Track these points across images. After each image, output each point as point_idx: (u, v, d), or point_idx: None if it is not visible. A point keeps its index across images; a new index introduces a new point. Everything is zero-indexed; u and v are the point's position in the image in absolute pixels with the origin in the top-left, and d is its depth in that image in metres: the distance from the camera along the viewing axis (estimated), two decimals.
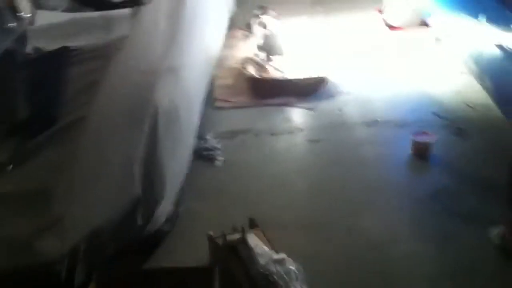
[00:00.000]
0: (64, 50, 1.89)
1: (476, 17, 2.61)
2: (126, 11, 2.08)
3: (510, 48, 2.30)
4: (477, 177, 2.59)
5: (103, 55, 1.84)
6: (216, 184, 2.60)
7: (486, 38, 2.43)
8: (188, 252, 2.12)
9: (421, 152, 2.76)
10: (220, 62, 3.49)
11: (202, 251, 2.01)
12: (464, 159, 2.73)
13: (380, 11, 4.49)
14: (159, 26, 2.15)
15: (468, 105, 3.19)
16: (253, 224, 2.03)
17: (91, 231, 1.53)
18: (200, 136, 2.75)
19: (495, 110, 3.00)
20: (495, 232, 2.17)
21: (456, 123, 3.02)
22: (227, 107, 3.28)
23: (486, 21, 2.43)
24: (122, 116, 1.75)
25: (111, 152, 1.68)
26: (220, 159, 2.76)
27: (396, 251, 2.18)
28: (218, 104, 3.30)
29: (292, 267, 1.76)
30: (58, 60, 1.85)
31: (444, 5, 3.15)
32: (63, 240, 1.45)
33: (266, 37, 3.51)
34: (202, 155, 2.72)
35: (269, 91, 3.37)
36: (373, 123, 3.10)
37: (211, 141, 2.85)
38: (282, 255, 1.81)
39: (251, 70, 3.50)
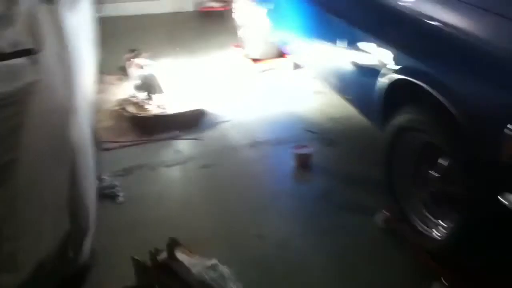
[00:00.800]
0: None
1: (331, 40, 3.04)
2: (22, 60, 2.13)
3: (362, 64, 2.72)
4: (355, 176, 2.99)
5: (14, 101, 1.89)
6: (124, 218, 2.67)
7: (342, 57, 2.85)
8: (115, 283, 2.18)
9: (303, 163, 3.10)
10: (97, 106, 3.56)
11: (127, 279, 2.10)
12: (340, 164, 3.13)
13: (240, 47, 4.89)
14: (56, 71, 2.22)
15: (331, 119, 3.67)
16: (175, 243, 2.15)
17: (37, 265, 1.57)
18: (97, 177, 2.80)
19: (356, 119, 3.49)
20: (379, 217, 2.54)
21: (326, 135, 3.44)
22: (116, 147, 3.35)
23: (340, 43, 2.84)
24: (48, 155, 1.82)
25: (43, 188, 1.74)
26: (121, 195, 2.83)
27: (296, 246, 2.47)
28: (106, 145, 3.35)
29: (225, 270, 1.93)
30: None
31: (300, 34, 3.57)
32: (15, 275, 1.48)
33: (145, 77, 3.68)
34: (103, 194, 2.76)
35: (154, 128, 3.51)
36: (255, 144, 3.39)
37: (109, 180, 2.91)
38: (213, 261, 1.97)
39: (131, 110, 3.62)
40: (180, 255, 2.06)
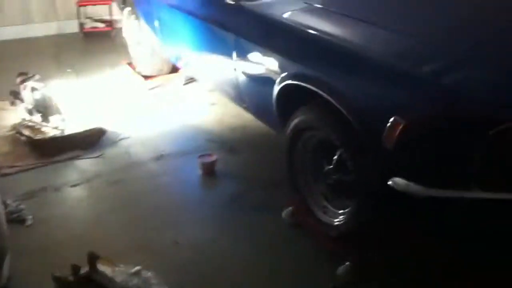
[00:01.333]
0: None
1: (222, 53, 3.22)
2: None
3: (255, 73, 2.93)
4: (260, 178, 3.16)
5: None
6: (36, 240, 2.64)
7: (235, 68, 3.03)
8: None
9: (209, 171, 3.24)
10: None
11: None
12: (245, 169, 3.30)
13: (131, 64, 4.93)
14: None
15: (229, 128, 3.85)
16: (95, 256, 2.19)
17: None
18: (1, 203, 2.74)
19: (252, 126, 3.72)
20: (286, 213, 2.74)
21: (227, 143, 3.61)
22: (15, 172, 3.27)
23: (231, 54, 3.03)
24: None
25: None
26: (29, 218, 2.79)
27: (212, 249, 2.59)
28: (4, 171, 3.27)
29: (148, 274, 2.01)
30: None
31: (191, 48, 3.71)
32: None
33: (39, 100, 3.62)
34: (10, 219, 2.71)
35: (53, 149, 3.47)
36: (160, 157, 3.47)
37: (13, 204, 2.85)
38: (136, 268, 2.04)
39: (28, 133, 3.55)
40: (102, 267, 2.10)
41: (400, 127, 1.90)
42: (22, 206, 2.85)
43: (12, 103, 3.85)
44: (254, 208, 2.91)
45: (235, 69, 3.04)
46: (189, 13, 3.53)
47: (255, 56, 2.82)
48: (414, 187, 1.92)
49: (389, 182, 1.97)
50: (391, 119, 1.93)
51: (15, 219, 2.75)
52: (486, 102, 1.83)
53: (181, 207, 2.97)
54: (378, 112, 2.05)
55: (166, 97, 4.44)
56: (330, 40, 2.37)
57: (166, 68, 4.70)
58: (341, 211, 2.44)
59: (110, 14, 6.30)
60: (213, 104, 4.25)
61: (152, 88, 4.56)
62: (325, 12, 2.69)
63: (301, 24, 2.55)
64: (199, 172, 3.25)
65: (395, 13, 2.61)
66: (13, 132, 3.64)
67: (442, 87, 1.91)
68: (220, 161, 3.31)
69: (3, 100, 4.03)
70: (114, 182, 3.21)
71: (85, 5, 6.34)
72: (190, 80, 4.61)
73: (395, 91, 2.04)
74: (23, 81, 3.77)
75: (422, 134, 1.90)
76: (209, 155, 3.32)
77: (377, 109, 2.06)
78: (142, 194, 3.09)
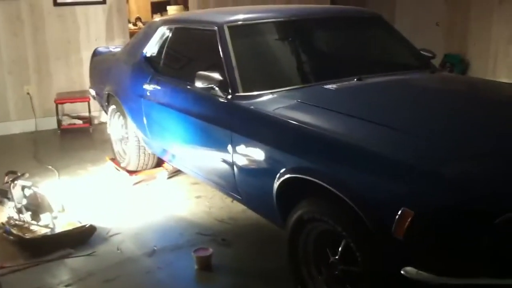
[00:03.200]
0: None
1: (214, 147, 3.35)
2: None
3: (253, 167, 3.05)
4: (257, 271, 3.17)
5: None
6: None
7: (232, 161, 3.15)
8: None
9: (205, 265, 3.24)
10: None
11: None
12: (241, 261, 3.31)
13: (114, 160, 4.99)
14: None
15: (219, 220, 3.89)
16: None
17: None
18: None
19: (242, 218, 3.80)
20: None
21: (218, 236, 3.64)
22: (5, 273, 3.19)
23: (227, 149, 3.16)
24: None
25: None
26: None
27: None
28: None
29: None
30: None
31: (180, 142, 3.83)
32: None
33: (30, 197, 3.60)
34: None
35: (43, 248, 3.41)
36: (152, 253, 3.46)
37: None
38: None
39: (17, 232, 3.50)
40: None
41: (410, 218, 2.02)
42: None
43: (0, 203, 3.81)
44: None
45: (231, 164, 3.15)
46: (181, 110, 3.68)
47: (252, 151, 2.95)
48: (425, 276, 2.01)
49: (401, 272, 2.05)
50: (400, 210, 2.04)
51: None
52: (489, 193, 1.98)
53: None
54: (384, 203, 2.16)
55: (151, 191, 4.48)
56: (331, 135, 2.54)
57: (150, 163, 4.77)
58: None
59: (88, 110, 6.42)
60: (198, 196, 4.31)
61: (138, 183, 4.60)
62: (321, 110, 2.87)
63: (299, 120, 2.72)
64: (195, 266, 3.25)
65: (390, 111, 2.82)
66: (2, 231, 3.57)
67: (447, 180, 2.06)
68: (215, 254, 3.32)
69: None
70: (108, 280, 3.16)
71: (62, 103, 6.45)
72: (174, 173, 4.69)
73: (400, 184, 2.16)
74: (13, 180, 3.76)
75: (431, 225, 2.02)
76: (204, 249, 3.33)
77: (384, 200, 2.17)
78: None
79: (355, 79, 3.32)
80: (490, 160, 2.19)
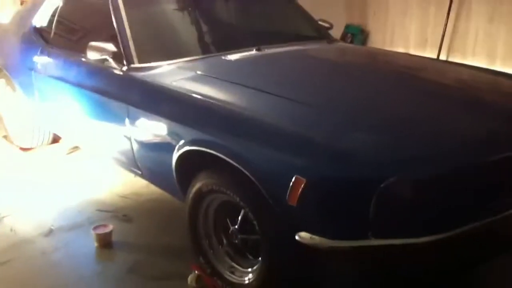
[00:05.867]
0: None
1: (112, 121, 3.24)
2: None
3: (151, 141, 2.99)
4: (159, 246, 3.14)
5: None
6: None
7: (129, 135, 3.07)
8: None
9: (105, 242, 3.16)
10: None
11: None
12: (142, 238, 3.26)
13: (7, 137, 4.70)
14: None
15: (121, 196, 3.81)
16: None
17: None
18: None
19: (145, 194, 3.74)
20: (191, 278, 2.74)
21: (119, 213, 3.55)
22: None
23: (123, 122, 3.07)
24: None
25: None
26: None
27: None
28: None
29: None
30: None
31: (75, 117, 3.67)
32: None
33: None
34: None
35: None
36: (49, 232, 3.32)
37: None
38: None
39: None
40: None
41: (302, 185, 2.07)
42: None
43: None
44: (155, 277, 2.87)
45: (129, 138, 3.07)
46: (75, 84, 3.52)
47: (150, 124, 2.89)
48: (318, 240, 2.09)
49: (296, 237, 2.11)
50: (293, 178, 2.09)
51: None
52: (374, 161, 2.07)
53: (78, 284, 2.85)
54: (279, 172, 2.20)
55: (48, 168, 4.28)
56: (227, 106, 2.54)
57: (46, 139, 4.55)
58: (249, 269, 2.52)
59: None
60: (99, 173, 4.18)
61: (32, 160, 4.37)
62: (219, 81, 2.85)
63: (199, 92, 2.69)
64: (94, 244, 3.16)
65: (287, 82, 2.85)
66: None
67: (336, 150, 2.13)
68: (116, 231, 3.24)
69: None
70: (2, 263, 3.01)
71: None
72: (72, 149, 4.51)
73: (293, 153, 2.21)
74: None
75: (322, 191, 2.08)
76: (104, 225, 3.25)
77: (278, 170, 2.21)
78: (34, 274, 2.93)
79: (254, 50, 3.32)
80: (381, 129, 2.28)
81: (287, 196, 2.12)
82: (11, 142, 4.61)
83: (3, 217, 3.50)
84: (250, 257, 2.52)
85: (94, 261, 3.11)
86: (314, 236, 2.09)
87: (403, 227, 2.02)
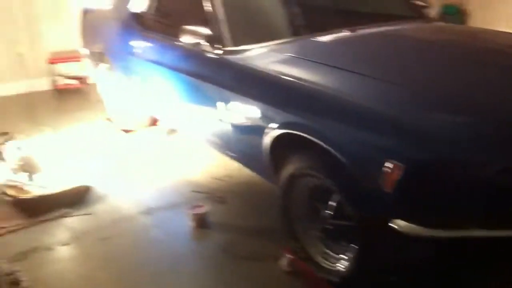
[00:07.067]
0: None
1: (209, 104, 3.31)
2: None
3: (246, 124, 3.01)
4: (252, 227, 3.20)
5: None
6: None
7: (225, 118, 3.12)
8: None
9: (200, 222, 3.26)
10: None
11: None
12: (236, 218, 3.33)
13: (109, 120, 4.96)
14: None
15: (215, 178, 3.90)
16: None
17: None
18: None
19: (238, 175, 3.80)
20: (284, 261, 2.75)
21: (214, 194, 3.64)
22: (3, 234, 3.21)
23: (220, 106, 3.12)
24: None
25: None
26: (25, 279, 2.73)
27: None
28: None
29: None
30: None
31: (175, 101, 3.79)
32: None
33: (23, 159, 3.60)
34: (4, 281, 2.66)
35: (40, 209, 3.43)
36: (148, 211, 3.48)
37: (7, 266, 2.80)
38: None
39: (12, 193, 3.51)
40: None
41: (398, 171, 2.00)
42: (16, 268, 2.79)
43: None
44: (248, 257, 2.92)
45: (222, 121, 3.13)
46: (171, 67, 3.63)
47: (243, 107, 2.92)
48: (415, 228, 2.02)
49: (391, 225, 2.05)
50: (389, 164, 2.03)
51: (11, 281, 2.70)
52: (477, 146, 1.95)
53: (173, 260, 2.96)
54: (372, 157, 2.14)
55: (147, 149, 4.46)
56: (321, 89, 2.50)
57: (145, 121, 4.75)
58: (342, 256, 2.49)
59: (82, 71, 6.33)
60: (195, 155, 4.30)
61: (132, 142, 4.58)
62: (312, 63, 2.81)
63: (292, 75, 2.67)
64: (190, 224, 3.27)
65: (381, 63, 2.76)
66: None
67: (434, 132, 2.03)
68: (211, 212, 3.33)
69: None
70: (104, 238, 3.19)
71: (56, 63, 6.35)
72: (171, 131, 4.67)
73: (386, 136, 2.14)
74: (5, 141, 3.74)
75: (419, 177, 2.00)
76: (199, 206, 3.34)
77: (372, 154, 2.16)
78: (132, 250, 3.09)
79: (347, 31, 3.24)
80: (481, 112, 2.15)
81: (381, 182, 2.06)
82: (114, 124, 4.85)
83: (108, 194, 3.70)
84: (344, 243, 2.48)
85: (189, 240, 3.22)
86: (410, 225, 2.02)
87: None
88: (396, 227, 2.04)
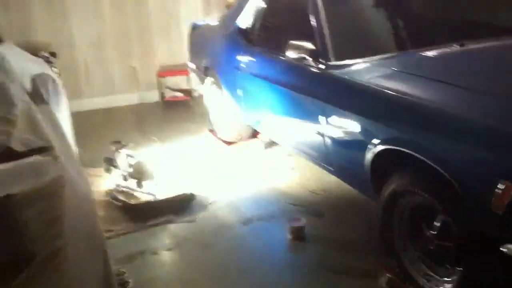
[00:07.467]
0: (5, 199, 2.00)
1: (310, 119, 3.32)
2: (41, 157, 2.25)
3: (346, 138, 2.99)
4: (350, 242, 3.16)
5: (48, 194, 2.01)
6: None
7: (324, 132, 3.11)
8: None
9: (298, 235, 3.27)
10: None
11: None
12: (333, 233, 3.31)
13: (212, 131, 5.14)
14: (67, 166, 2.35)
15: (312, 192, 3.90)
16: None
17: None
18: None
19: (335, 190, 3.77)
20: (383, 280, 2.67)
21: (310, 207, 3.64)
22: (112, 236, 3.41)
23: (320, 120, 3.12)
24: (84, 242, 1.96)
25: (86, 273, 1.88)
26: (131, 281, 2.89)
27: None
28: None
29: None
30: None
31: (276, 114, 3.85)
32: None
33: (135, 165, 3.83)
34: (115, 281, 2.82)
35: (146, 214, 3.62)
36: (247, 221, 3.55)
37: (115, 267, 2.96)
38: None
39: (122, 198, 3.73)
40: None
41: (511, 192, 1.89)
42: (123, 270, 2.95)
43: (107, 170, 4.07)
44: (344, 272, 2.89)
45: (322, 135, 3.13)
46: (274, 81, 3.70)
47: (344, 121, 2.90)
48: None
49: (502, 248, 1.94)
50: (500, 184, 1.92)
51: (118, 282, 2.85)
52: None
53: (270, 271, 2.99)
54: (483, 175, 2.05)
55: (247, 161, 4.57)
56: (425, 103, 2.43)
57: (246, 134, 4.86)
58: (446, 278, 2.39)
59: (188, 84, 6.61)
60: (293, 168, 4.33)
61: (236, 153, 4.70)
62: (416, 78, 2.74)
63: (396, 89, 2.62)
64: (288, 236, 3.29)
65: (487, 77, 2.63)
66: (107, 197, 3.83)
67: None
68: (308, 225, 3.33)
69: (97, 167, 4.26)
70: (205, 245, 3.30)
71: (164, 76, 6.69)
72: (270, 144, 4.74)
73: (501, 154, 2.04)
74: (118, 149, 4.00)
75: None
76: (297, 219, 3.36)
77: (482, 172, 2.06)
78: (231, 258, 3.16)
79: (456, 45, 3.12)
80: None
81: (492, 203, 1.96)
82: (216, 136, 5.01)
83: (209, 203, 3.82)
84: (448, 265, 2.37)
85: (287, 252, 3.25)
86: None
87: None
88: (506, 251, 1.93)
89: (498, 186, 1.93)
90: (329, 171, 3.38)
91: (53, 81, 2.44)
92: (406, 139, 2.44)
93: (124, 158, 3.94)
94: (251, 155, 4.70)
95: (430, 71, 2.81)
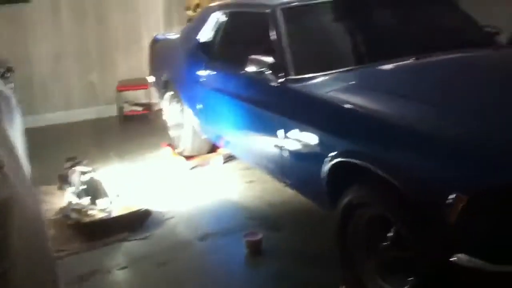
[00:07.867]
0: None
1: (268, 133, 3.29)
2: None
3: (302, 151, 2.97)
4: (308, 256, 3.14)
5: None
6: None
7: (281, 145, 3.09)
8: None
9: (255, 249, 3.23)
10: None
11: None
12: (291, 246, 3.28)
13: (171, 146, 5.06)
14: (17, 184, 2.25)
15: (270, 204, 3.87)
16: None
17: None
18: None
19: (292, 203, 3.73)
20: None
21: (268, 221, 3.60)
22: (63, 256, 3.29)
23: (278, 134, 3.09)
24: (33, 263, 1.86)
25: None
26: None
27: None
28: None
29: None
30: None
31: (235, 129, 3.81)
32: None
33: (89, 183, 3.72)
34: None
35: (100, 232, 3.51)
36: (204, 236, 3.48)
37: None
38: None
39: (75, 217, 3.61)
40: None
41: (462, 202, 1.90)
42: None
43: (60, 188, 3.95)
44: (303, 286, 2.86)
45: (280, 148, 3.10)
46: (234, 96, 3.68)
47: (302, 135, 2.88)
48: (478, 263, 1.90)
49: (453, 258, 1.94)
50: (452, 194, 1.93)
51: None
52: None
53: (227, 287, 2.94)
54: (434, 186, 2.05)
55: (206, 176, 4.51)
56: (381, 117, 2.44)
57: (206, 148, 4.80)
58: None
59: (148, 98, 6.52)
60: (251, 181, 4.29)
61: (193, 168, 4.64)
62: (374, 92, 2.76)
63: (351, 103, 2.63)
64: (245, 250, 3.24)
65: (445, 91, 2.68)
66: (60, 215, 3.70)
67: (499, 161, 1.93)
68: (265, 239, 3.29)
69: (51, 185, 4.12)
70: (162, 263, 3.21)
71: (124, 90, 6.59)
72: (228, 158, 4.70)
73: (451, 165, 2.05)
74: (72, 166, 3.88)
75: (484, 209, 1.89)
76: (254, 233, 3.31)
77: (434, 183, 2.06)
78: (188, 275, 3.10)
79: (412, 59, 3.15)
80: None
81: (444, 213, 1.96)
82: (175, 151, 4.93)
83: (165, 219, 3.74)
84: (402, 276, 2.37)
85: (245, 267, 3.21)
86: (473, 259, 1.90)
87: None
88: (458, 261, 1.93)
89: (449, 197, 1.92)
90: (286, 184, 3.36)
91: (6, 97, 2.34)
92: (360, 152, 2.44)
93: (78, 175, 3.82)
94: (210, 169, 4.64)
95: (385, 85, 2.85)
